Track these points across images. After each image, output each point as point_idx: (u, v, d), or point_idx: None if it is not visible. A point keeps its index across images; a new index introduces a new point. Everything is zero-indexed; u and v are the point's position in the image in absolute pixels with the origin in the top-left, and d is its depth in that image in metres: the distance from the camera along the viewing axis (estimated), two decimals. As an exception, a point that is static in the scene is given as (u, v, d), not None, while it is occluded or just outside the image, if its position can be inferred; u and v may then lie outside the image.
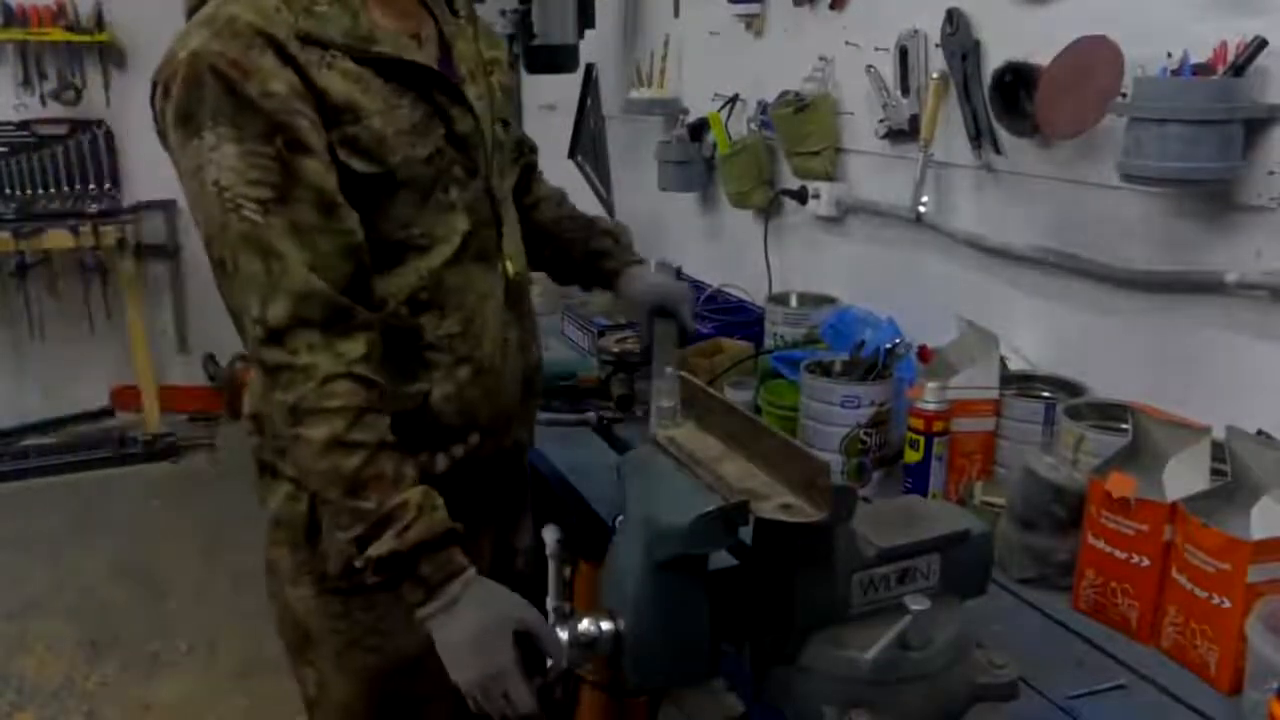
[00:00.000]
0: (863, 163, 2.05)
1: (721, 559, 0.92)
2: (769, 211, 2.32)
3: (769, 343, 2.03)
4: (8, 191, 4.25)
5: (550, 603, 2.00)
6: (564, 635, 0.88)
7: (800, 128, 2.08)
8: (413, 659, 1.19)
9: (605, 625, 0.87)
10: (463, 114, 1.20)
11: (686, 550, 0.83)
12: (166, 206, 4.43)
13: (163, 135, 1.12)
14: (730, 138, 2.33)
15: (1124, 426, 1.27)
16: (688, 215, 2.70)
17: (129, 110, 4.29)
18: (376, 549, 1.06)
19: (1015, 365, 1.64)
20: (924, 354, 1.60)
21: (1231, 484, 1.14)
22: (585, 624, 0.88)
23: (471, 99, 1.22)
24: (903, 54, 1.85)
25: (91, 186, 4.34)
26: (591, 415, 1.92)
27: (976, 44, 1.70)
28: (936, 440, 1.44)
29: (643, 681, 0.90)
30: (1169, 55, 1.35)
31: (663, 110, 2.65)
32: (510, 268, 1.30)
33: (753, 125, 2.29)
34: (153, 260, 4.56)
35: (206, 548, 3.61)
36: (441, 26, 1.25)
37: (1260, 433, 1.22)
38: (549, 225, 1.56)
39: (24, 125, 4.27)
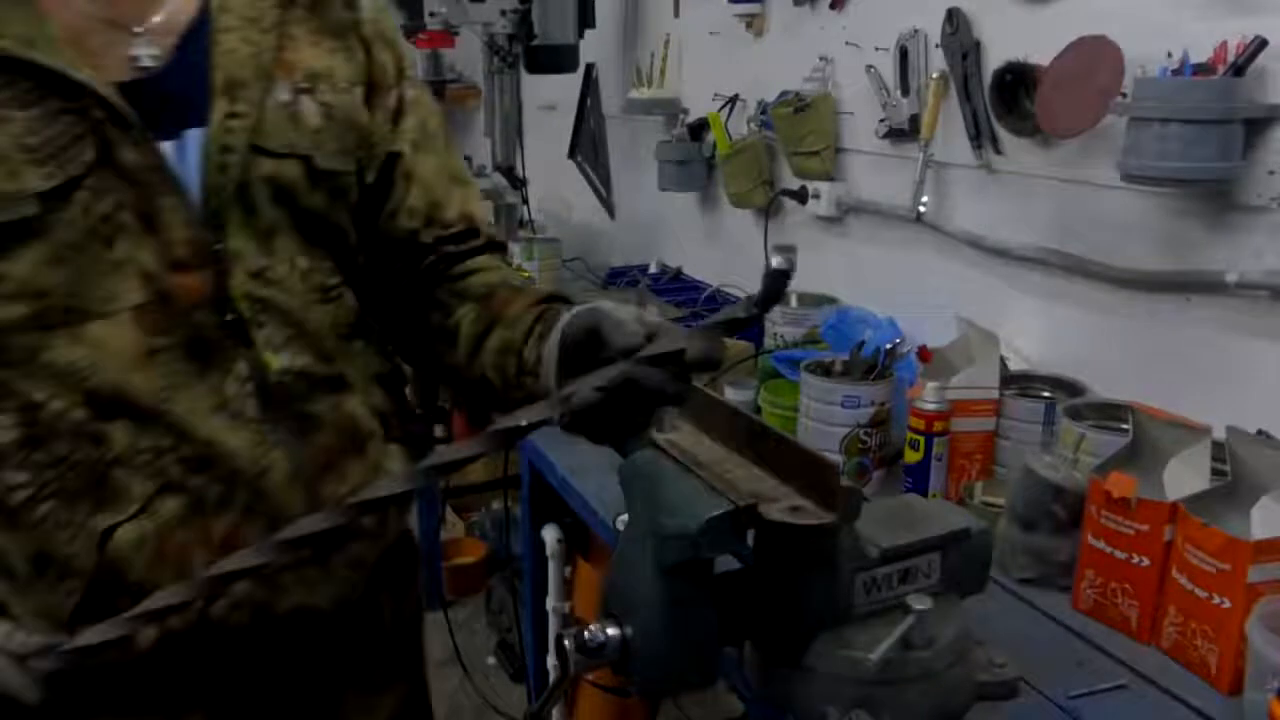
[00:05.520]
0: (863, 162, 2.05)
1: (722, 562, 0.92)
2: (769, 211, 2.32)
3: (769, 343, 2.03)
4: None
5: (550, 603, 2.02)
6: (570, 642, 0.88)
7: (799, 128, 2.08)
8: None
9: (612, 631, 0.87)
10: (123, 138, 0.85)
11: (696, 554, 0.82)
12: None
13: None
14: (730, 138, 2.33)
15: (1124, 426, 1.27)
16: (688, 215, 2.70)
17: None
18: None
19: (1015, 365, 1.64)
20: (924, 354, 1.60)
21: (1231, 484, 1.14)
22: (592, 631, 0.88)
23: (216, 118, 0.89)
24: (903, 54, 1.85)
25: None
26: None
27: (976, 44, 1.70)
28: (936, 440, 1.44)
29: (650, 687, 0.90)
30: (1169, 55, 1.35)
31: (663, 110, 2.66)
32: (272, 361, 0.93)
33: (753, 125, 2.30)
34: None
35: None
36: (209, 12, 0.92)
37: (1260, 433, 1.22)
38: (471, 346, 1.03)
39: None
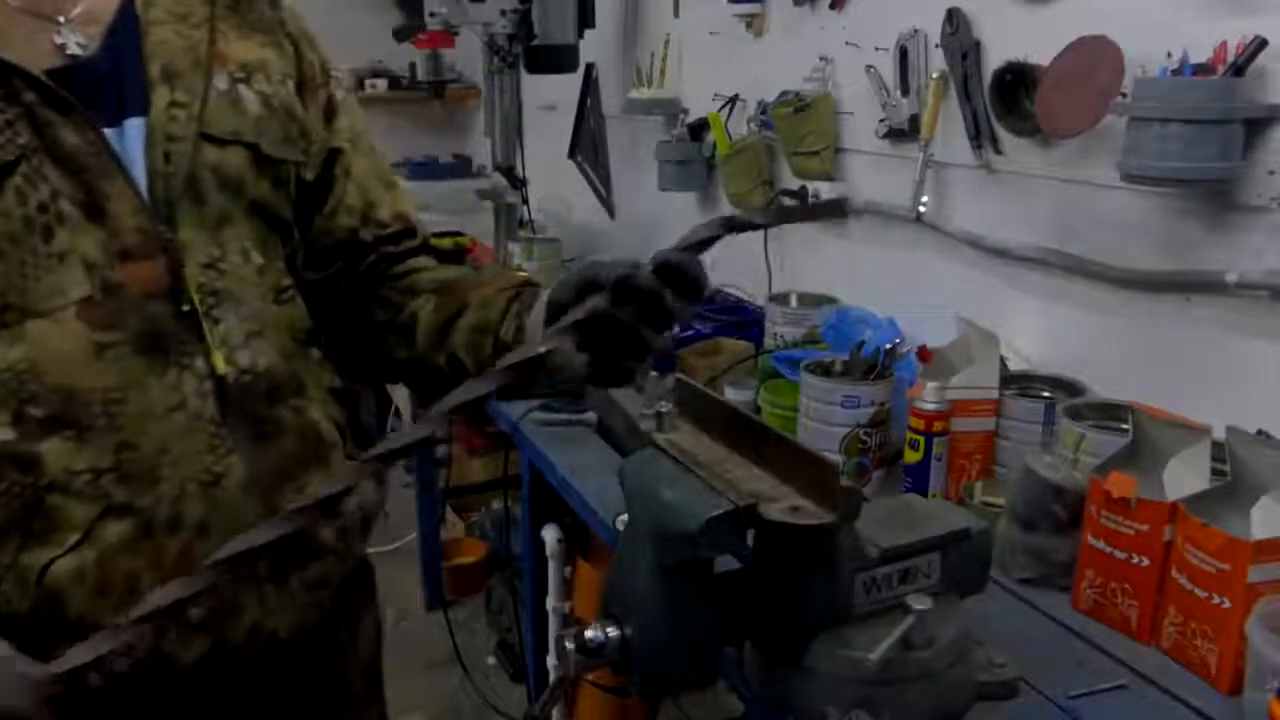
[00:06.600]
0: (863, 162, 2.05)
1: (723, 561, 0.92)
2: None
3: (769, 343, 2.03)
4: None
5: (550, 603, 2.02)
6: (570, 642, 0.88)
7: (799, 128, 2.08)
8: None
9: (612, 631, 0.87)
10: (61, 121, 0.82)
11: (696, 554, 0.82)
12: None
13: None
14: (730, 138, 2.33)
15: (1124, 426, 1.27)
16: (688, 215, 2.70)
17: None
18: None
19: (1015, 365, 1.64)
20: (924, 354, 1.60)
21: (1231, 484, 1.14)
22: (592, 631, 0.88)
23: (158, 106, 0.87)
24: (903, 54, 1.85)
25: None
26: (591, 415, 1.92)
27: (976, 44, 1.70)
28: (936, 440, 1.44)
29: (650, 687, 0.90)
30: (1169, 55, 1.35)
31: (663, 110, 2.65)
32: (223, 363, 0.88)
33: (753, 125, 2.29)
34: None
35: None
36: (133, 5, 0.90)
37: (1260, 433, 1.22)
38: (428, 336, 1.02)
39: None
